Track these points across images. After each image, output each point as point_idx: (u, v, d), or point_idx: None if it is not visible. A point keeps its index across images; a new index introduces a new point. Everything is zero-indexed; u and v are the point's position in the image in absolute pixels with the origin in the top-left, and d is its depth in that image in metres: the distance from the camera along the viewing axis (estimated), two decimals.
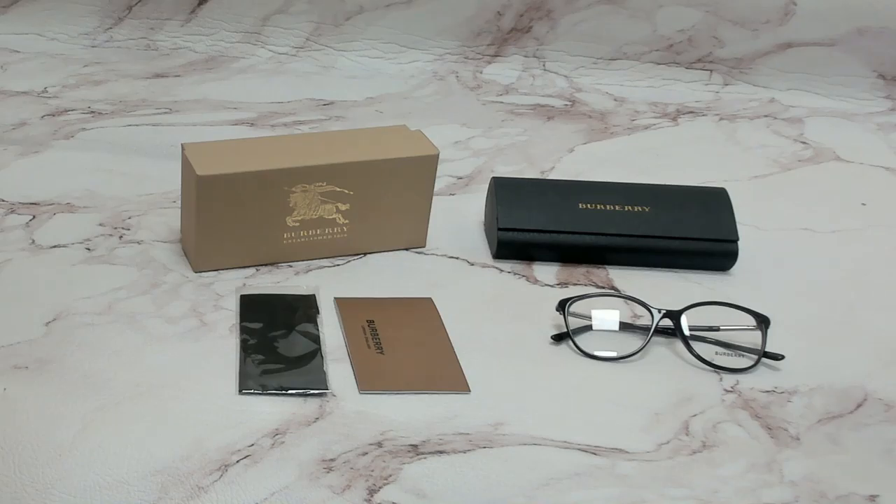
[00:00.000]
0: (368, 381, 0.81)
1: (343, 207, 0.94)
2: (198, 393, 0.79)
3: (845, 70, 1.37)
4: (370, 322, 0.88)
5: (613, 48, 1.41)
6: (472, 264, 0.98)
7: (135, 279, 0.93)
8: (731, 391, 0.82)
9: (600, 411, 0.79)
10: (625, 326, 0.89)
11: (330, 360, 0.83)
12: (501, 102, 1.35)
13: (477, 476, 0.72)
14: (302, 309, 0.89)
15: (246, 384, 0.80)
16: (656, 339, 0.87)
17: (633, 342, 0.87)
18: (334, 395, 0.80)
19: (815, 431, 0.78)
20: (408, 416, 0.77)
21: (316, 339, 0.85)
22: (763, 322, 0.86)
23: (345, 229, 0.96)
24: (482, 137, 1.25)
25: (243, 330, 0.86)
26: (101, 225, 1.02)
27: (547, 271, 0.97)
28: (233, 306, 0.90)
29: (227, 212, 0.91)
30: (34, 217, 1.03)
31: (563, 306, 0.87)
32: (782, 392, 0.82)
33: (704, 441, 0.77)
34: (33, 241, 0.99)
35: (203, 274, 0.94)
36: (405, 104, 1.34)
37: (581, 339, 0.87)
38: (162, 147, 1.18)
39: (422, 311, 0.90)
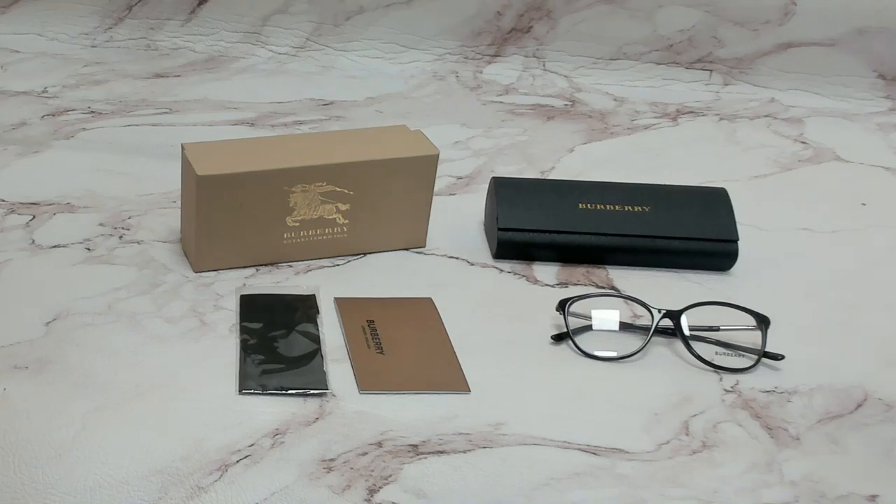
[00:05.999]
0: (368, 381, 0.81)
1: (343, 207, 0.94)
2: (198, 393, 0.79)
3: (845, 70, 1.37)
4: (370, 322, 0.88)
5: (613, 48, 1.41)
6: (472, 264, 0.98)
7: (135, 279, 0.93)
8: (731, 391, 0.82)
9: (600, 411, 0.79)
10: (625, 326, 0.89)
11: (330, 360, 0.83)
12: (501, 102, 1.35)
13: (477, 476, 0.72)
14: (302, 309, 0.89)
15: (246, 384, 0.80)
16: (656, 339, 0.87)
17: (633, 342, 0.87)
18: (334, 395, 0.79)
19: (815, 431, 0.78)
20: (408, 416, 0.77)
21: (316, 339, 0.85)
22: (763, 322, 0.86)
23: (345, 229, 0.96)
24: (482, 137, 1.25)
25: (243, 330, 0.86)
26: (101, 225, 1.02)
27: (547, 271, 0.97)
28: (233, 306, 0.90)
29: (227, 212, 0.91)
30: (34, 217, 1.03)
31: (563, 306, 0.87)
32: (782, 392, 0.82)
33: (704, 441, 0.77)
34: (33, 241, 0.99)
35: (203, 274, 0.94)
36: (405, 104, 1.34)
37: (581, 339, 0.87)
38: (162, 147, 1.18)
39: (422, 311, 0.90)
